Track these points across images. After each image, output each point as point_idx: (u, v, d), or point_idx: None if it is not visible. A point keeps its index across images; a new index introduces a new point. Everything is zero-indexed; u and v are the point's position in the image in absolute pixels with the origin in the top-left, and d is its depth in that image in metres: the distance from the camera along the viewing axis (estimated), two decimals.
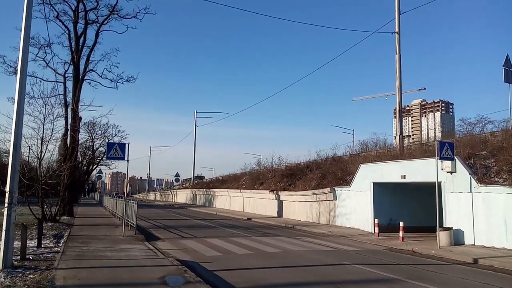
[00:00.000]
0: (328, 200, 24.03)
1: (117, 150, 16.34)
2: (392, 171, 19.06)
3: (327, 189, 23.93)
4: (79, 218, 25.41)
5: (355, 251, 14.22)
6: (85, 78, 26.72)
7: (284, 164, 38.44)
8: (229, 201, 41.14)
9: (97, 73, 27.24)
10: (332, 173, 25.85)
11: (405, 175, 18.22)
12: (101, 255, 11.41)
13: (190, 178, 66.64)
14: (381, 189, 20.17)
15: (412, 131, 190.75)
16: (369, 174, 20.64)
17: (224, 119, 64.20)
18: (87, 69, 26.77)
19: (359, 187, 21.23)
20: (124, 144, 16.75)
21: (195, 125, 62.07)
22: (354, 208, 21.68)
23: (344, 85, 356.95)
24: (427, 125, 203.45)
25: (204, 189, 50.93)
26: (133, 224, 17.85)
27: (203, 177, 69.80)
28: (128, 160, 16.66)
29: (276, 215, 30.27)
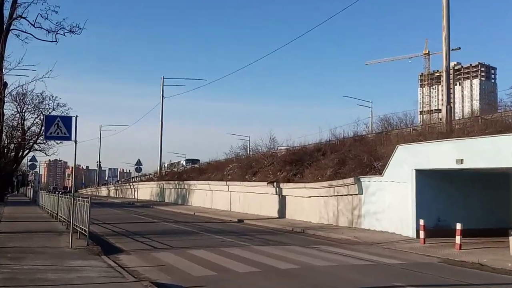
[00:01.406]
0: (351, 195, 23.18)
1: (60, 127, 14.92)
2: (443, 154, 18.14)
3: (350, 180, 23.05)
4: (6, 222, 24.09)
5: (401, 266, 13.28)
6: (11, 28, 24.93)
7: (279, 148, 37.48)
8: (210, 196, 40.16)
9: (28, 21, 25.41)
10: (354, 158, 25.00)
11: (462, 159, 17.27)
12: (40, 279, 10.16)
13: (169, 165, 65.08)
14: (425, 179, 19.27)
15: (442, 103, 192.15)
16: (409, 159, 19.71)
17: (200, 89, 62.17)
18: (14, 15, 24.94)
19: (395, 176, 20.33)
20: (69, 118, 15.36)
21: (162, 96, 60.41)
22: (387, 204, 20.86)
23: (355, 46, 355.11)
24: (462, 95, 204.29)
25: (176, 182, 49.91)
26: (85, 230, 16.60)
27: (197, 160, 64.82)
28: (76, 141, 15.28)
29: (276, 215, 29.41)
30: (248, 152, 44.64)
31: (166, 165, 71.40)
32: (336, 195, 24.23)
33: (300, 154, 31.16)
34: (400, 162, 20.15)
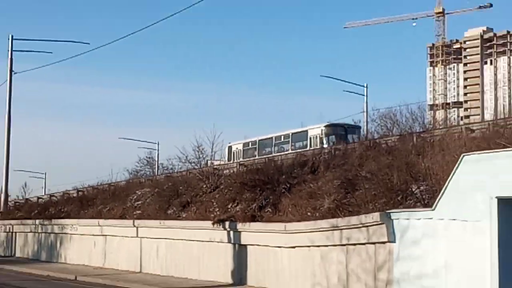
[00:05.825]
0: (373, 243, 16.02)
1: None
2: None
3: (372, 217, 15.76)
4: None
5: None
6: None
7: (225, 162, 31.85)
8: (102, 247, 29.04)
9: None
10: (372, 177, 17.53)
11: None
12: None
13: None
14: None
15: (466, 91, 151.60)
16: (486, 180, 13.18)
17: (77, 67, 44.89)
18: None
19: (459, 211, 13.79)
20: None
21: (10, 69, 40.78)
22: (443, 262, 14.11)
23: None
24: (495, 80, 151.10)
25: (37, 222, 35.24)
26: None
27: (358, 127, 37.62)
28: None
29: (229, 281, 21.17)
30: (157, 170, 33.23)
31: (236, 148, 42.50)
32: (345, 244, 16.82)
33: (270, 172, 22.39)
34: (469, 185, 13.58)
